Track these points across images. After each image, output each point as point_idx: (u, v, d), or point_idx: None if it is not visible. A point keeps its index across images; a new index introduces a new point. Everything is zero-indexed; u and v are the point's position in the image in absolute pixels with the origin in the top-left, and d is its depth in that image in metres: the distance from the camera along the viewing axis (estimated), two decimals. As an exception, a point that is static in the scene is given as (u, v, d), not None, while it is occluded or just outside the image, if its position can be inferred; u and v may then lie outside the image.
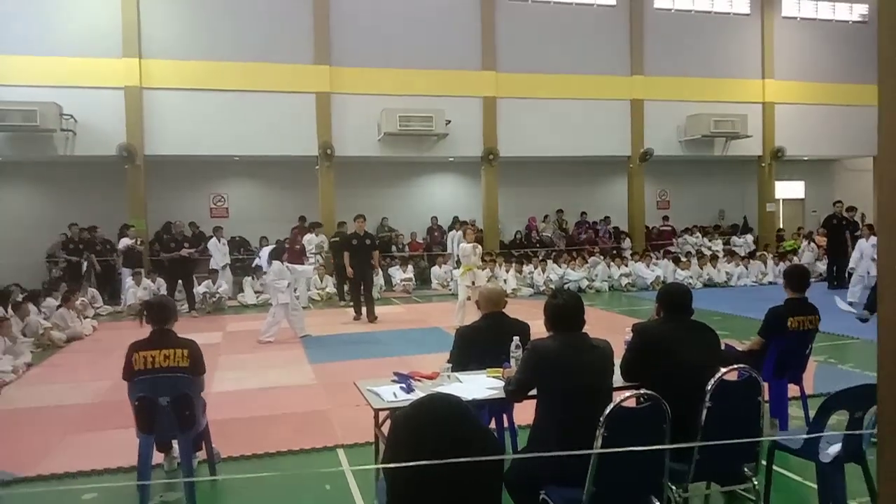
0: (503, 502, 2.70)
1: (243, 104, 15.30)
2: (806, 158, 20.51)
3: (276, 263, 9.80)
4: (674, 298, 3.74)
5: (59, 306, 10.77)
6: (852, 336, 8.79)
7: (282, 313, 9.68)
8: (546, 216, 19.10)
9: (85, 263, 14.24)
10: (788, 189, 21.45)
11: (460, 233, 15.19)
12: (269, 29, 15.47)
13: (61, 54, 14.20)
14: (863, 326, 8.95)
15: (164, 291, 12.56)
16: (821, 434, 3.46)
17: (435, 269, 16.18)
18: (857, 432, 3.45)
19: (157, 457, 4.59)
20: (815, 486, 3.99)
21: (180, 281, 12.86)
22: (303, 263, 13.63)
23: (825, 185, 21.81)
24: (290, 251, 13.05)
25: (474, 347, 4.37)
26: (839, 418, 3.62)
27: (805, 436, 3.60)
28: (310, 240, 14.56)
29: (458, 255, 10.73)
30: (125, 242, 13.62)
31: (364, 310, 11.37)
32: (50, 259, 15.22)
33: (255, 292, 14.14)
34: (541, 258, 15.91)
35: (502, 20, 16.87)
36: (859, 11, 19.81)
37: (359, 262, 11.26)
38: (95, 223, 15.34)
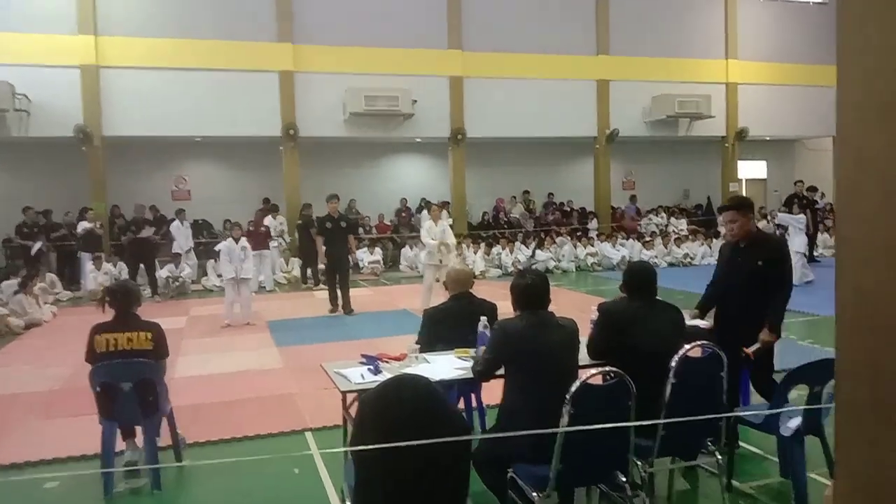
0: (471, 481, 2.71)
1: (204, 83, 14.97)
2: (768, 139, 20.87)
3: (224, 243, 9.67)
4: (635, 277, 3.76)
5: (17, 292, 10.48)
6: (812, 313, 9.01)
7: (229, 292, 9.59)
8: (513, 197, 19.16)
9: (37, 247, 13.81)
10: (751, 169, 21.80)
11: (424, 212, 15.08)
12: (230, 5, 15.11)
13: (13, 30, 13.70)
14: (820, 303, 9.19)
15: (125, 275, 12.32)
16: (781, 410, 3.54)
17: (405, 251, 16.14)
18: (816, 406, 3.53)
19: (122, 443, 4.52)
20: (777, 458, 4.11)
21: (142, 265, 12.60)
22: (268, 247, 13.49)
23: (786, 164, 22.23)
24: (254, 234, 12.89)
25: (442, 328, 4.37)
26: (799, 393, 3.70)
27: (767, 412, 3.68)
28: (268, 223, 14.37)
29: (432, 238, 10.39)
30: (84, 226, 13.29)
31: (340, 301, 10.42)
32: (6, 243, 14.80)
33: (219, 276, 13.93)
34: (509, 239, 15.96)
35: (468, -1, 16.74)
36: (820, -7, 20.11)
37: (334, 248, 10.28)
38: (53, 206, 14.94)
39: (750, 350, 4.08)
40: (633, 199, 19.42)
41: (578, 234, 16.94)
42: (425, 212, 12.88)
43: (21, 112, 13.72)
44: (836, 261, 1.54)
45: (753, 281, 4.14)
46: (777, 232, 16.03)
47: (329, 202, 10.52)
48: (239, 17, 15.14)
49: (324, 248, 10.47)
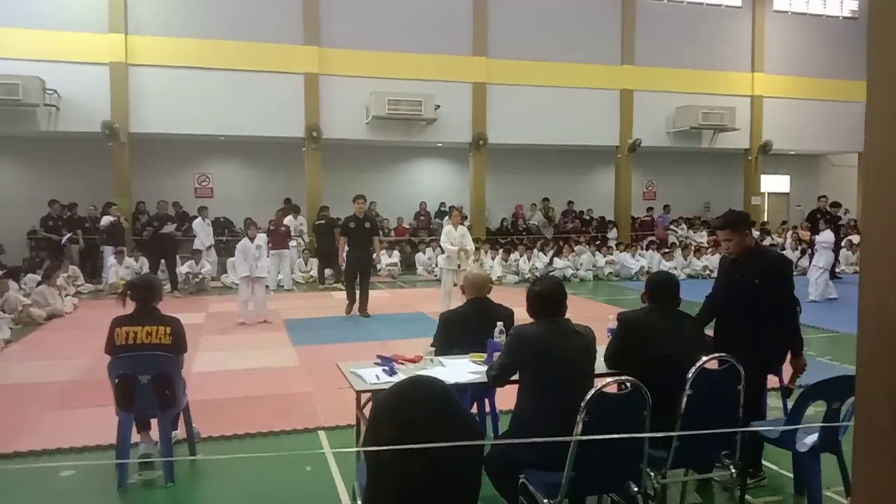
0: (483, 486, 2.71)
1: (230, 83, 15.12)
2: (792, 153, 20.66)
3: (242, 241, 9.73)
4: (659, 287, 3.74)
5: (40, 283, 10.65)
6: (831, 329, 8.89)
7: (244, 290, 9.64)
8: (533, 204, 19.13)
9: (66, 237, 14.02)
10: (774, 183, 21.60)
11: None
12: (258, 8, 15.27)
13: (46, 28, 13.94)
14: (841, 319, 9.06)
15: (146, 270, 12.46)
16: (798, 427, 3.50)
17: (419, 256, 16.17)
18: (834, 424, 3.49)
19: (137, 435, 4.56)
20: (792, 475, 4.06)
21: (163, 260, 12.73)
22: (287, 246, 13.59)
23: (810, 179, 21.98)
24: (274, 233, 12.99)
25: (458, 332, 4.38)
26: (816, 409, 3.66)
27: (783, 428, 3.64)
28: (288, 222, 14.47)
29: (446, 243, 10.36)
30: (108, 220, 13.48)
31: (357, 302, 10.22)
32: (30, 235, 15.05)
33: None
34: (527, 246, 15.94)
35: (494, 6, 16.76)
36: (849, 7, 19.89)
37: (357, 248, 10.09)
38: (79, 200, 15.15)
39: (790, 383, 4.01)
40: (666, 208, 19.42)
41: (597, 242, 16.86)
42: (447, 217, 12.88)
43: (50, 107, 13.96)
44: (860, 277, 1.53)
45: (750, 298, 3.98)
46: (797, 248, 15.88)
47: (355, 202, 10.29)
48: (266, 20, 15.30)
49: (346, 248, 10.32)
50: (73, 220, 14.79)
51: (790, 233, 17.82)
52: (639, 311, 3.76)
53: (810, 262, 14.81)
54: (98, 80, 14.32)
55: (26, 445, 4.79)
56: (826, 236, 12.09)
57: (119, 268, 12.67)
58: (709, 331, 4.34)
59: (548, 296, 3.34)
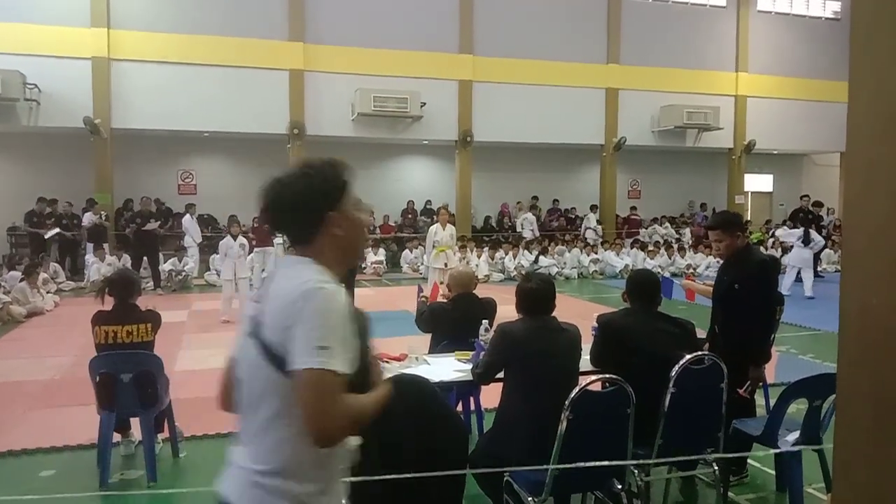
0: (468, 484, 2.71)
1: (215, 79, 15.01)
2: (776, 152, 20.84)
3: (224, 240, 9.69)
4: (639, 285, 3.73)
5: (21, 280, 10.52)
6: (814, 327, 8.98)
7: (227, 288, 9.63)
8: (519, 202, 19.16)
9: (52, 233, 13.86)
10: (757, 182, 21.78)
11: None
12: (243, 3, 15.17)
13: (26, 21, 13.76)
14: (824, 317, 9.16)
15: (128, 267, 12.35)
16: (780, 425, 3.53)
17: (406, 253, 16.14)
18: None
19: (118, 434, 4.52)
20: (773, 472, 4.09)
21: (145, 258, 12.61)
22: (272, 243, 13.48)
23: (793, 179, 22.19)
24: (259, 230, 12.89)
25: (443, 326, 4.41)
26: (798, 406, 3.69)
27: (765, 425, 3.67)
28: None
29: (434, 243, 10.38)
30: (90, 218, 13.33)
31: None
32: (10, 231, 14.85)
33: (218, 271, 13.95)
34: (512, 244, 15.96)
35: (481, 3, 16.76)
36: (832, 8, 20.10)
37: None
38: (60, 196, 14.95)
39: (742, 390, 3.85)
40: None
41: (582, 241, 16.89)
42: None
43: (31, 102, 13.79)
44: (842, 276, 1.54)
45: (728, 302, 3.99)
46: (779, 248, 16.02)
47: None
48: (251, 15, 15.19)
49: None
50: (55, 216, 14.60)
51: (772, 231, 17.99)
52: (616, 314, 3.74)
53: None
54: (80, 74, 14.17)
55: (6, 445, 4.72)
56: (794, 232, 12.30)
57: (101, 265, 12.54)
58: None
59: (538, 293, 3.34)
